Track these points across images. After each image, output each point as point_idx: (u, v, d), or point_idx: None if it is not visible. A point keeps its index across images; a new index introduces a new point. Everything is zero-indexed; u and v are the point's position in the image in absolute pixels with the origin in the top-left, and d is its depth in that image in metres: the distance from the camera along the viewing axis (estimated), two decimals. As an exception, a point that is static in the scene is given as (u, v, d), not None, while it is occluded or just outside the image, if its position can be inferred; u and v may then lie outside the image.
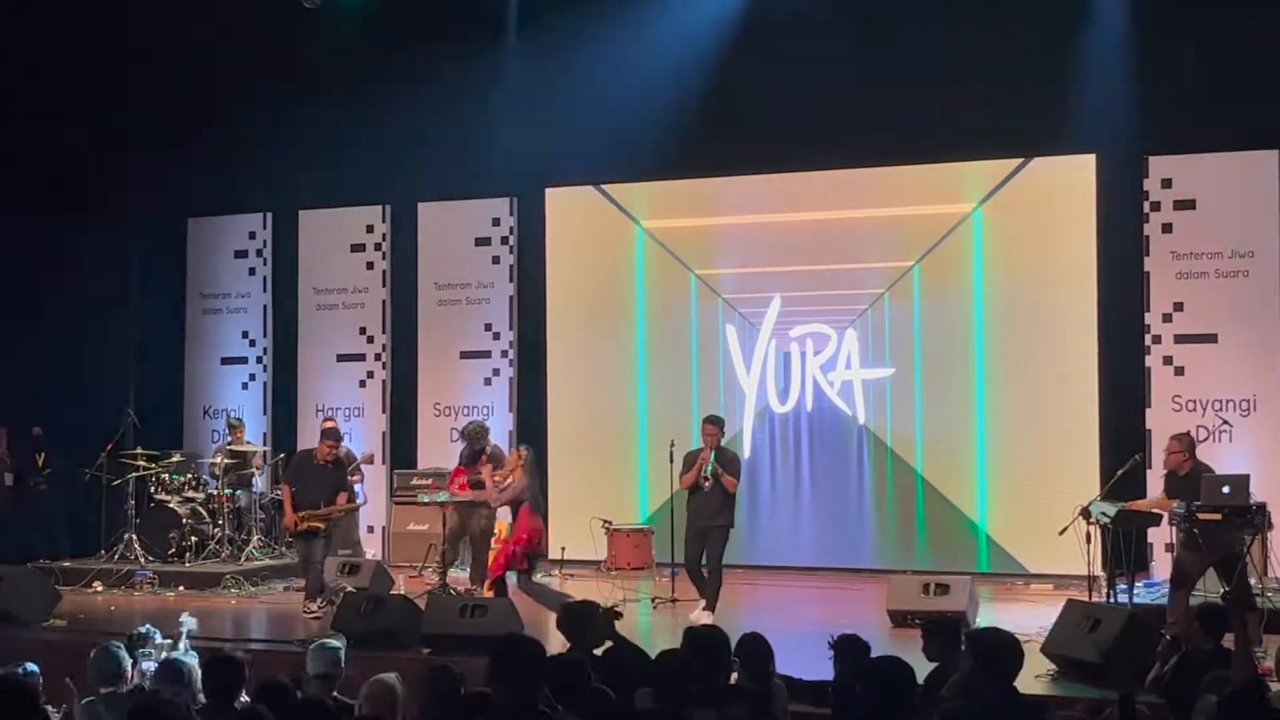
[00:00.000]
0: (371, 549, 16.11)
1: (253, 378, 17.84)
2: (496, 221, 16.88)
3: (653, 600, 13.41)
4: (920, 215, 15.38)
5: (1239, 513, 10.95)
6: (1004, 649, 6.15)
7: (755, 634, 6.97)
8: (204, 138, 17.22)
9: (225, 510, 15.34)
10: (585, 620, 7.56)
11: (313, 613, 12.72)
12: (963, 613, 11.47)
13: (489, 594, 12.30)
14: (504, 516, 13.74)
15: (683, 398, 15.96)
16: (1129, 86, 14.20)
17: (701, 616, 11.82)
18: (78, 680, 7.03)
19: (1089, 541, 11.68)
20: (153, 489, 15.53)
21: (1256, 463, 12.87)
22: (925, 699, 6.24)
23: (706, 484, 12.36)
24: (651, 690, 6.28)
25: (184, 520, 15.11)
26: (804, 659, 8.00)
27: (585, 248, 16.72)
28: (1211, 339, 14.10)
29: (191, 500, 15.45)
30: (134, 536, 15.13)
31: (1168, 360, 14.24)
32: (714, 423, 12.66)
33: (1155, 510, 11.73)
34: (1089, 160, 14.75)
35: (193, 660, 7.35)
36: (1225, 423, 13.72)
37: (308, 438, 16.42)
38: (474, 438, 13.97)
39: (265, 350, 17.84)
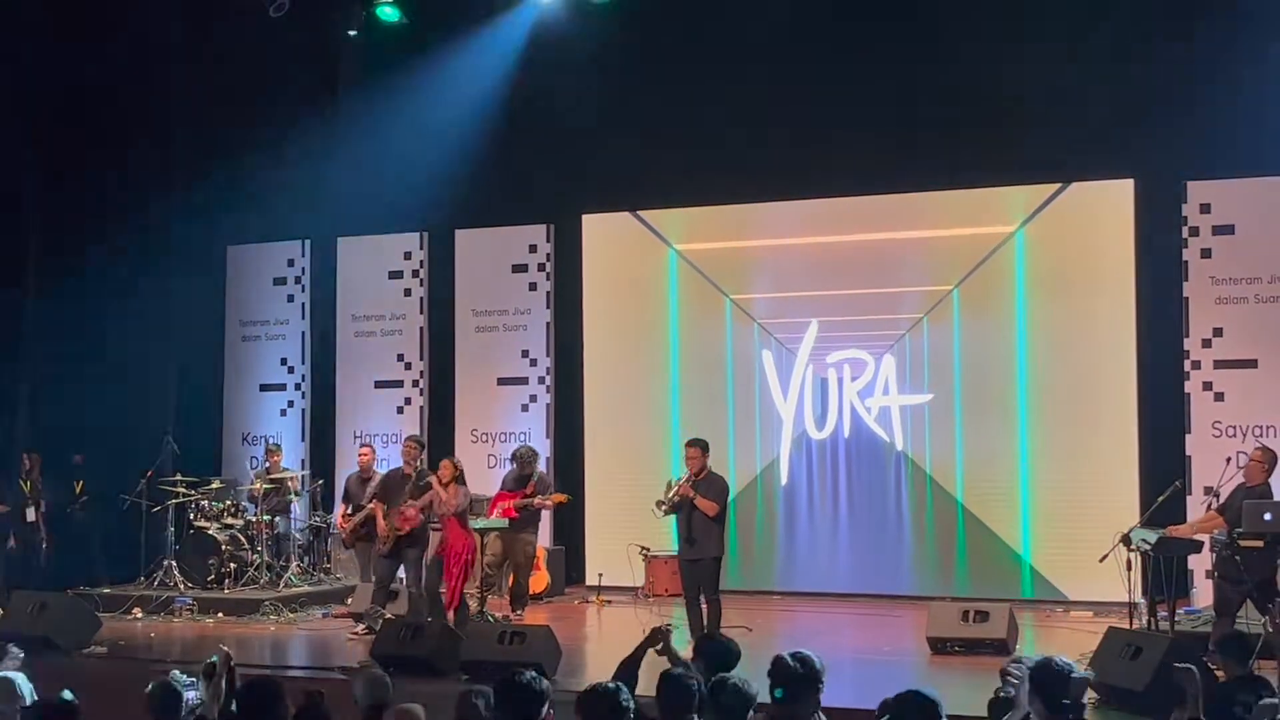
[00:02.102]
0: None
1: (291, 404, 17.90)
2: (533, 248, 16.93)
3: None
4: (958, 241, 15.34)
5: (1280, 540, 10.90)
6: (1068, 681, 6.10)
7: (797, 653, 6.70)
8: (242, 166, 17.33)
9: (264, 536, 15.39)
10: (726, 654, 7.35)
11: (357, 635, 12.84)
12: (1004, 640, 11.44)
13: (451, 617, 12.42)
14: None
15: (719, 424, 15.91)
16: (1167, 112, 14.15)
17: None
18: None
19: (1129, 569, 11.62)
20: (192, 516, 15.58)
21: (1298, 489, 12.76)
22: None
23: (662, 509, 12.09)
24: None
25: (223, 547, 15.18)
26: (842, 687, 7.97)
27: (622, 274, 16.74)
28: (1251, 364, 14.01)
29: (230, 527, 15.50)
30: (173, 563, 15.21)
31: (1207, 386, 14.16)
32: (695, 445, 12.15)
33: (1199, 533, 11.66)
34: (1127, 185, 14.71)
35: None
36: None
37: (346, 464, 16.50)
38: (525, 461, 14.10)
39: (304, 377, 17.90)
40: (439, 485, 12.82)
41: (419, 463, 13.52)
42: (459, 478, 12.93)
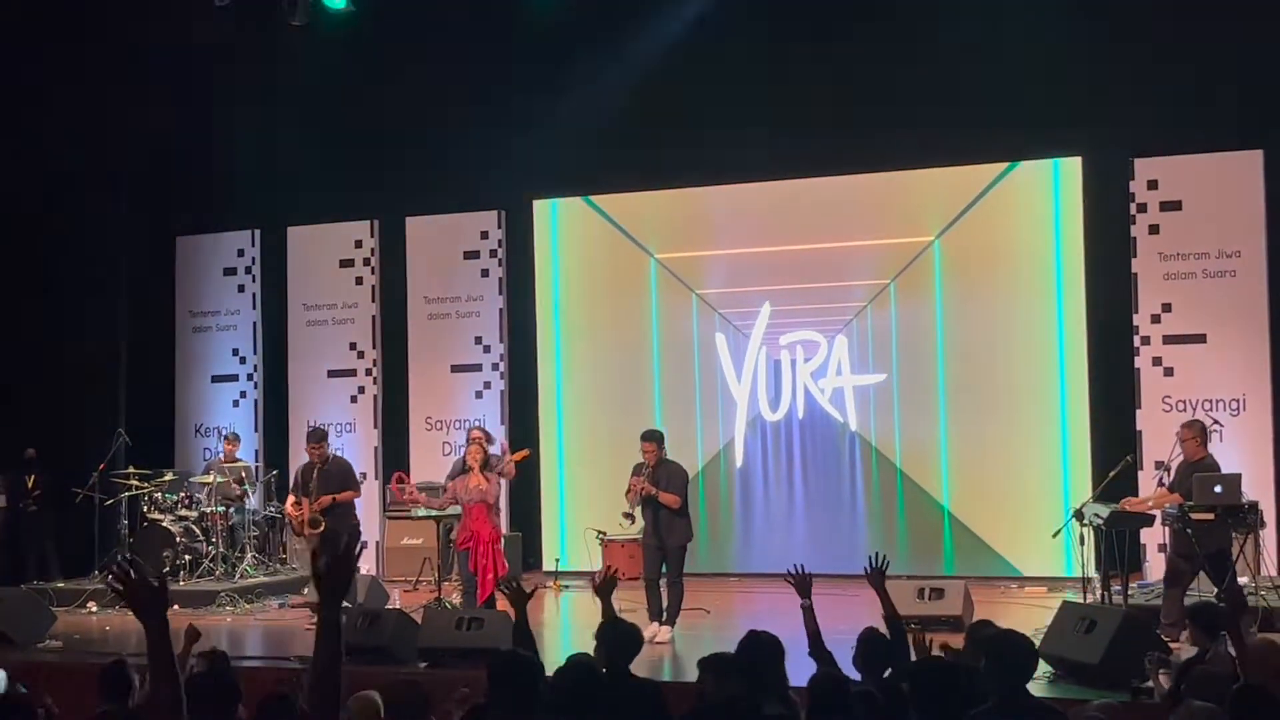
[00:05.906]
0: (366, 564, 16.10)
1: (244, 395, 17.81)
2: (485, 234, 16.90)
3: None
4: (907, 220, 15.40)
5: (1231, 512, 11.01)
6: (1019, 652, 6.16)
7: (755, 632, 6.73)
8: (191, 155, 17.23)
9: (218, 528, 15.32)
10: (624, 639, 7.27)
11: (315, 625, 12.78)
12: (959, 617, 11.50)
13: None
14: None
15: (674, 407, 15.96)
16: (1114, 89, 14.25)
17: (661, 633, 11.65)
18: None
19: (1082, 543, 11.71)
20: (145, 508, 15.48)
21: (1247, 462, 12.90)
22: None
23: (630, 521, 12.16)
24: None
25: (177, 539, 15.07)
26: (803, 665, 7.98)
27: (574, 259, 16.74)
28: (1200, 339, 14.13)
29: (184, 519, 15.39)
30: (128, 556, 15.10)
31: (1157, 361, 14.27)
32: (650, 439, 12.17)
33: (1152, 508, 11.76)
34: (1075, 163, 14.80)
35: None
36: (1216, 422, 13.68)
37: (300, 454, 16.41)
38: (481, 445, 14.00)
39: (256, 367, 17.81)
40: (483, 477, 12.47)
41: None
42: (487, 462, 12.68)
